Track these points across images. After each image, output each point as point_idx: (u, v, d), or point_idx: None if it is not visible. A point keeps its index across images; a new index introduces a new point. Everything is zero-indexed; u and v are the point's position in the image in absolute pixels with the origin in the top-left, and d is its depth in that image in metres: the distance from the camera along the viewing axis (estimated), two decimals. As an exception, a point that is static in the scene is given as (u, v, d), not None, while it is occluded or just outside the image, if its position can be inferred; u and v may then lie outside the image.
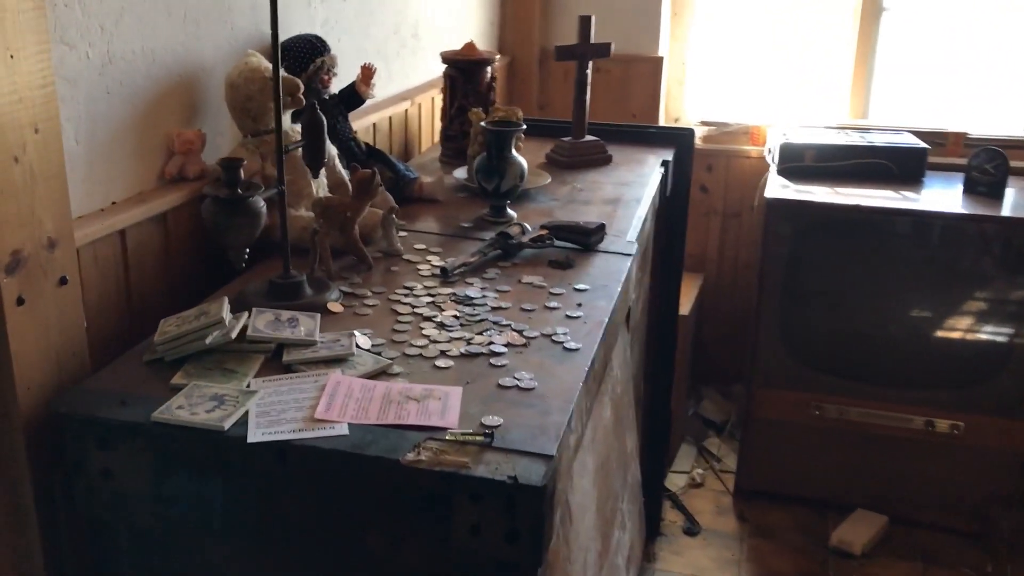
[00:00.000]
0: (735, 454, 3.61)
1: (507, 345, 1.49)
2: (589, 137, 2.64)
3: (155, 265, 1.75)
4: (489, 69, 2.53)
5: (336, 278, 1.74)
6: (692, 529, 3.23)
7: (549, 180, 2.36)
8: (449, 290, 1.71)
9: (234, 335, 1.41)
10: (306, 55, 2.10)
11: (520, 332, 1.54)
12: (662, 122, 3.97)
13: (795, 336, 3.26)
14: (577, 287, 1.74)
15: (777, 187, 3.24)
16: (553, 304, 1.66)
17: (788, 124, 3.65)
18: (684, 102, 4.02)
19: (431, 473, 1.16)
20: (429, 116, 3.02)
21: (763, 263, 3.24)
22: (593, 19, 2.54)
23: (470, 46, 2.53)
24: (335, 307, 1.61)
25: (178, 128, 1.82)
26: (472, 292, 1.69)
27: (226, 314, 1.42)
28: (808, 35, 3.86)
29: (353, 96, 2.23)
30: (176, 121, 1.83)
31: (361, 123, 2.50)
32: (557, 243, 1.94)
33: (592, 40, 2.55)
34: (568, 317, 1.61)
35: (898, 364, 3.19)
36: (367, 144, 2.26)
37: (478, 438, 1.21)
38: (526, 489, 1.13)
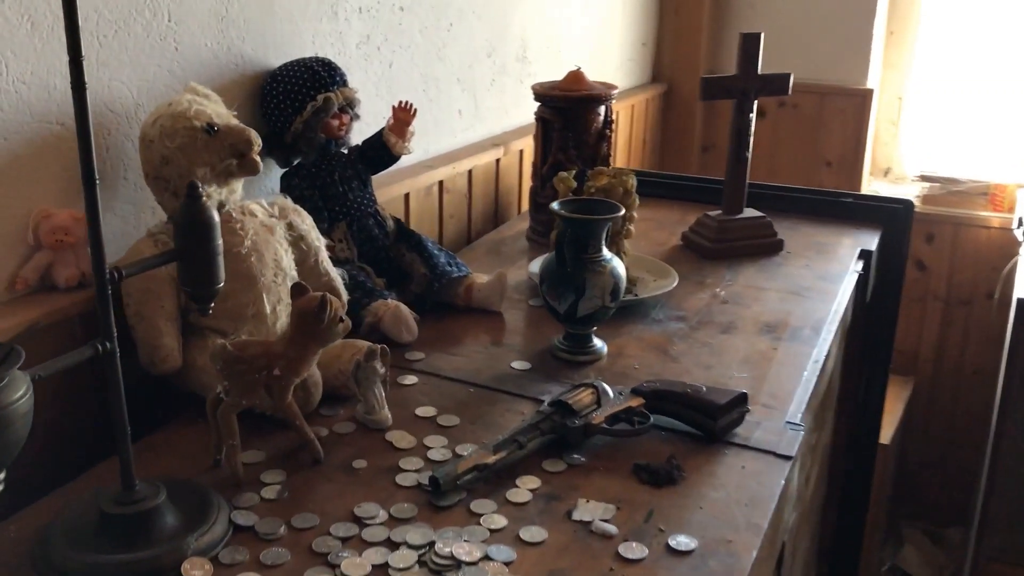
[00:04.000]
0: (948, 635, 2.62)
1: None
2: (749, 211, 1.78)
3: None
4: (602, 110, 1.73)
5: (243, 481, 1.00)
6: None
7: (675, 284, 1.53)
8: (430, 530, 0.92)
9: None
10: (303, 90, 1.38)
11: None
12: (867, 174, 3.02)
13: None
14: (675, 544, 0.91)
15: (1035, 280, 2.25)
16: (616, 594, 0.84)
17: (1049, 185, 2.63)
18: (899, 149, 3.06)
19: None
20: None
21: (1009, 378, 2.26)
22: (762, 38, 1.69)
23: (575, 76, 1.74)
24: (197, 570, 0.86)
25: (47, 208, 1.13)
26: (462, 548, 0.90)
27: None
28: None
29: (380, 150, 1.49)
30: (47, 196, 1.15)
31: (416, 182, 1.76)
32: (656, 423, 1.12)
33: (760, 68, 1.70)
34: (640, 639, 0.79)
35: None
36: (397, 220, 1.52)
37: None
38: None
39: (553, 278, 1.27)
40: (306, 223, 1.28)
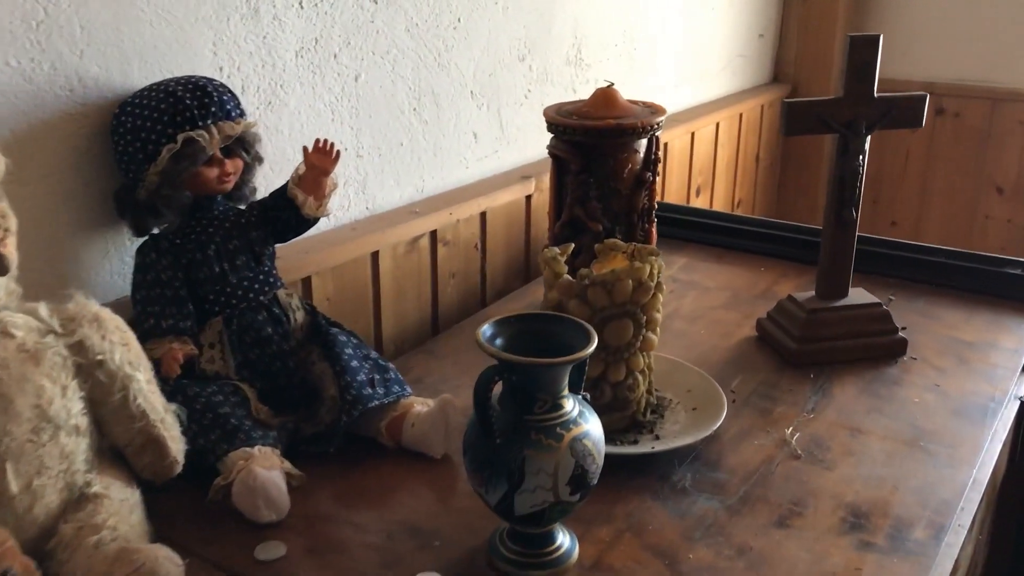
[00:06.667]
0: None
1: None
2: (857, 293, 1.23)
3: None
4: (642, 146, 1.21)
5: None
6: None
7: (716, 426, 1.00)
8: None
9: None
10: (156, 128, 0.94)
11: None
12: (1051, 204, 2.35)
13: None
14: None
15: None
16: None
17: None
18: (1098, 172, 2.36)
19: None
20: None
21: None
22: (881, 41, 1.12)
23: (604, 96, 1.21)
24: None
25: None
26: None
27: None
28: None
29: (285, 211, 1.03)
30: None
31: (390, 235, 1.29)
32: None
33: (877, 87, 1.14)
34: None
35: None
36: (311, 310, 1.06)
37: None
38: None
39: (475, 452, 0.78)
40: (111, 339, 0.83)
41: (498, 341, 0.77)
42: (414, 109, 1.38)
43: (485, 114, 1.52)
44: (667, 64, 2.00)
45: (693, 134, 2.04)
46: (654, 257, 0.98)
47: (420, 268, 1.39)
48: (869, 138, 1.14)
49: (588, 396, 0.83)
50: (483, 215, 1.48)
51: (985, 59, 2.28)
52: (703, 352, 1.22)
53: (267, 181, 1.13)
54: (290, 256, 1.16)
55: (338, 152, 1.02)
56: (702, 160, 2.11)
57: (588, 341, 0.77)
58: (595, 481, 0.79)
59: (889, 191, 2.51)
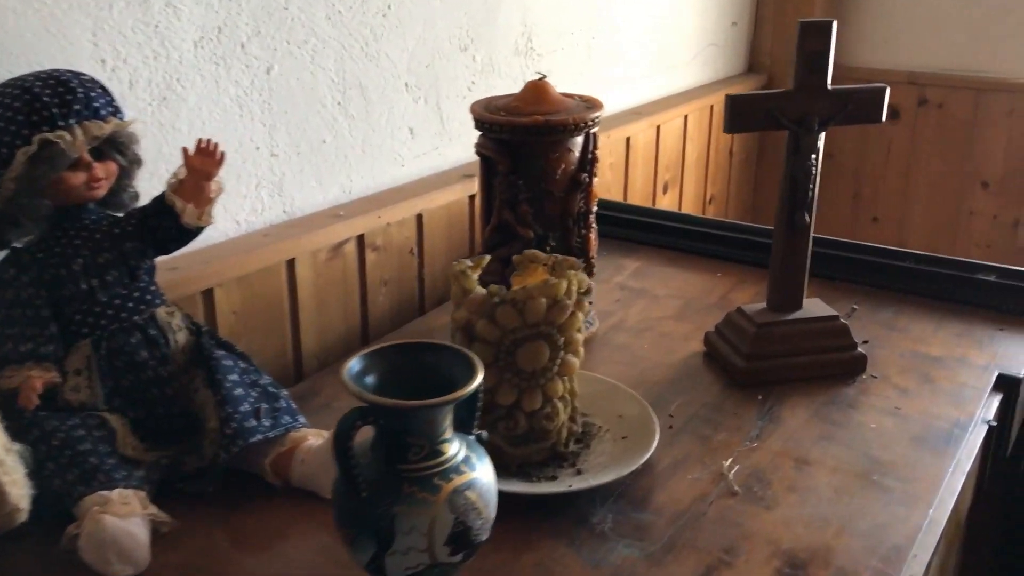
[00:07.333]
0: None
1: None
2: (812, 305, 1.12)
3: None
4: (577, 144, 1.10)
5: None
6: None
7: (644, 459, 0.89)
8: None
9: None
10: (9, 129, 0.83)
11: None
12: (1038, 201, 2.24)
13: None
14: None
15: None
16: None
17: None
18: (1088, 166, 2.25)
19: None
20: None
21: None
22: (834, 28, 1.01)
23: (535, 89, 1.11)
24: None
25: None
26: None
27: None
28: None
29: (163, 219, 0.92)
30: None
31: (309, 240, 1.19)
32: None
33: (830, 79, 1.03)
34: None
35: None
36: (198, 330, 0.95)
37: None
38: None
39: (339, 507, 0.68)
40: (-65, 372, 0.73)
41: (368, 378, 0.67)
42: (338, 103, 1.27)
43: (423, 108, 1.41)
44: (630, 54, 1.89)
45: (659, 127, 1.93)
46: (574, 271, 0.88)
47: (346, 276, 1.28)
48: (823, 135, 1.03)
49: (484, 435, 0.73)
50: (419, 217, 1.38)
51: (969, 48, 2.18)
52: (645, 370, 1.11)
53: (162, 185, 1.02)
54: (189, 266, 1.06)
55: (222, 154, 0.91)
56: (669, 155, 2.00)
57: (472, 375, 0.67)
58: (483, 537, 0.69)
59: (870, 186, 2.40)
